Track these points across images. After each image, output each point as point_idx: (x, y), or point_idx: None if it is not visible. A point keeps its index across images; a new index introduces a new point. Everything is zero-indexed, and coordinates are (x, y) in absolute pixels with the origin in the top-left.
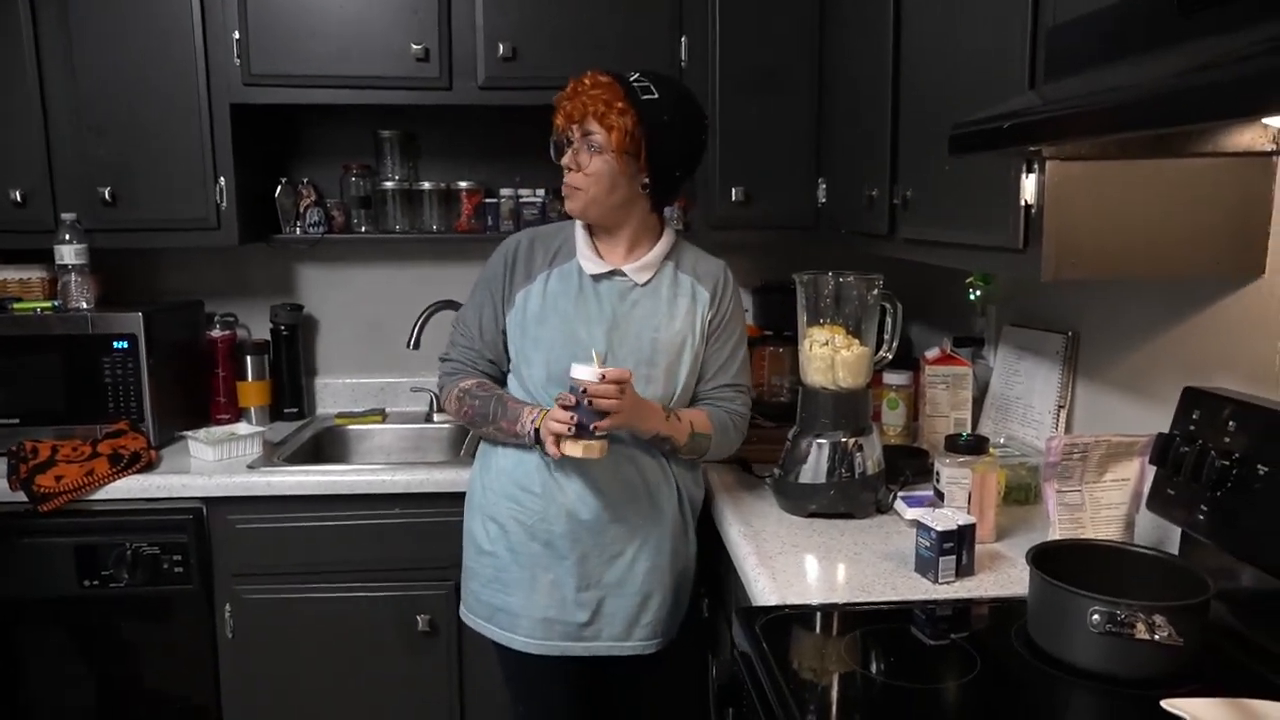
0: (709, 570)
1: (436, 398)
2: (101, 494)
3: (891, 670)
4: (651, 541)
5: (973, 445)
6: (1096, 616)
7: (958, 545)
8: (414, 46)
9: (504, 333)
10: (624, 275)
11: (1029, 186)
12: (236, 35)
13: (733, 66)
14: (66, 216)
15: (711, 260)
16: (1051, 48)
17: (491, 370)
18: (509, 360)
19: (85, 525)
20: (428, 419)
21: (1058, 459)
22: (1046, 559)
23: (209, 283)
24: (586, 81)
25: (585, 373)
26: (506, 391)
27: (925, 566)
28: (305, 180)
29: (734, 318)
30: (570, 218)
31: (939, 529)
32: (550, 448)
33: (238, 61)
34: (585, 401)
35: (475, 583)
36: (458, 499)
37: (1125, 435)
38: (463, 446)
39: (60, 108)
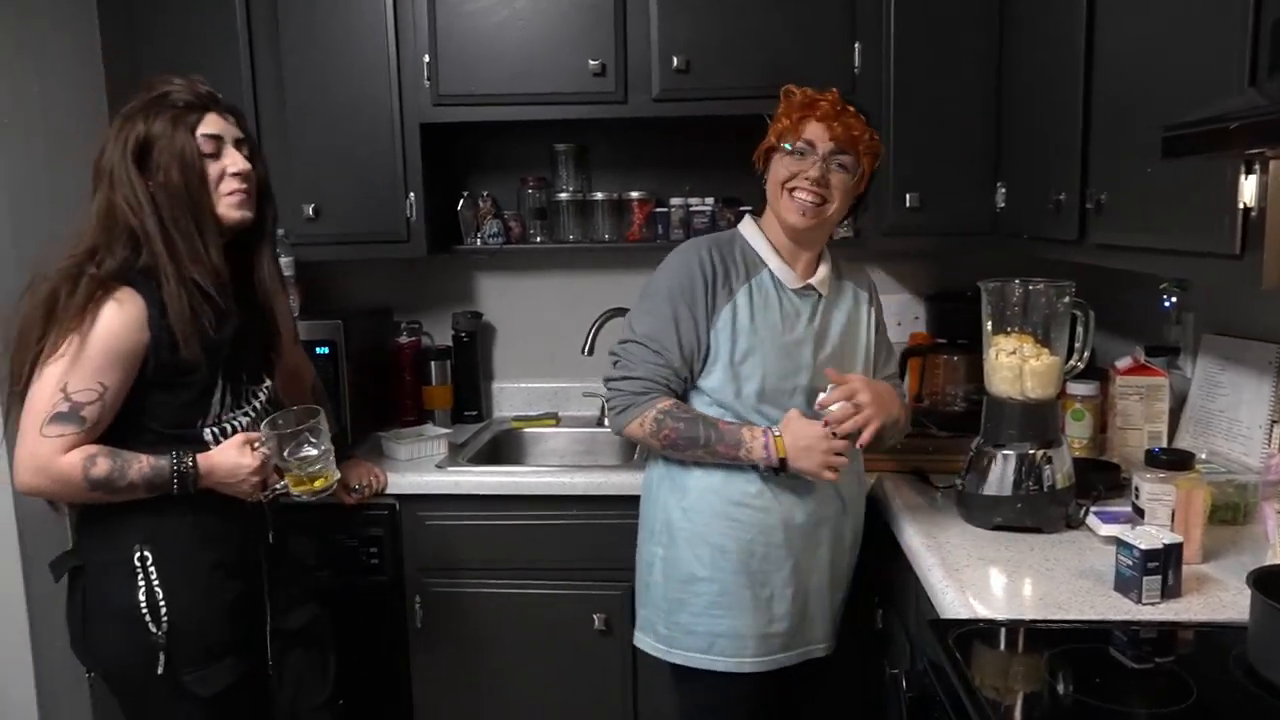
0: (882, 580)
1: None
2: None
3: (1096, 692)
4: (845, 537)
5: (1176, 460)
6: None
7: (1163, 565)
8: (591, 62)
9: (708, 348)
10: (813, 289)
11: (1249, 188)
12: (427, 59)
13: (907, 72)
14: (278, 233)
15: (857, 266)
16: (1277, 41)
17: (680, 389)
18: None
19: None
20: (599, 423)
21: (1278, 477)
22: (1270, 582)
23: (396, 292)
24: (838, 105)
25: (827, 396)
26: (705, 413)
27: (1127, 586)
28: (485, 194)
29: (883, 314)
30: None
31: (1143, 546)
32: (828, 475)
33: (427, 84)
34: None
35: (684, 614)
36: (629, 501)
37: None
38: (635, 451)
39: (272, 134)
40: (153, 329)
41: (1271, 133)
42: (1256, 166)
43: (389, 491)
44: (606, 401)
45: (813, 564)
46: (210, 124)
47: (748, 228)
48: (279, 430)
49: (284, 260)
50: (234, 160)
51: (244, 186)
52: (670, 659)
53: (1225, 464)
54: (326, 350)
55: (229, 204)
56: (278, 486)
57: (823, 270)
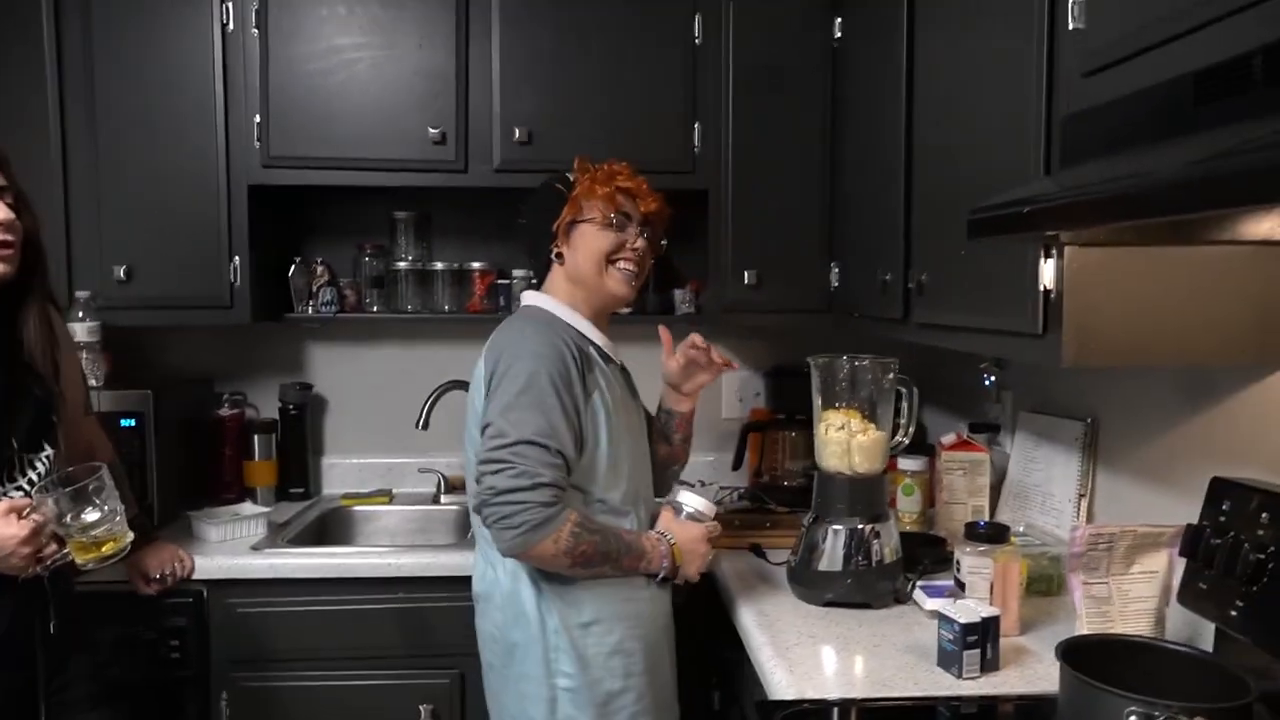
0: (719, 659)
1: (445, 479)
2: (96, 574)
3: None
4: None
5: (993, 534)
6: (1134, 718)
7: (982, 638)
8: (431, 130)
9: (581, 444)
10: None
11: (1048, 271)
12: (257, 119)
13: (744, 152)
14: (81, 294)
15: None
16: (1066, 135)
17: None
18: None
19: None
20: (435, 500)
21: (1082, 549)
22: (1077, 654)
23: (218, 361)
24: (633, 178)
25: (702, 504)
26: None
27: (948, 661)
28: (319, 259)
29: None
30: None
31: (962, 621)
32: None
33: (257, 144)
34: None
35: None
36: (463, 583)
37: (1152, 525)
38: (469, 529)
39: (81, 187)
40: None
41: (1058, 218)
42: (1054, 251)
43: (196, 577)
44: (503, 519)
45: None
46: None
47: (552, 304)
48: (53, 492)
49: (89, 325)
50: None
51: (6, 238)
52: None
53: (1041, 537)
54: (133, 422)
55: None
56: (57, 557)
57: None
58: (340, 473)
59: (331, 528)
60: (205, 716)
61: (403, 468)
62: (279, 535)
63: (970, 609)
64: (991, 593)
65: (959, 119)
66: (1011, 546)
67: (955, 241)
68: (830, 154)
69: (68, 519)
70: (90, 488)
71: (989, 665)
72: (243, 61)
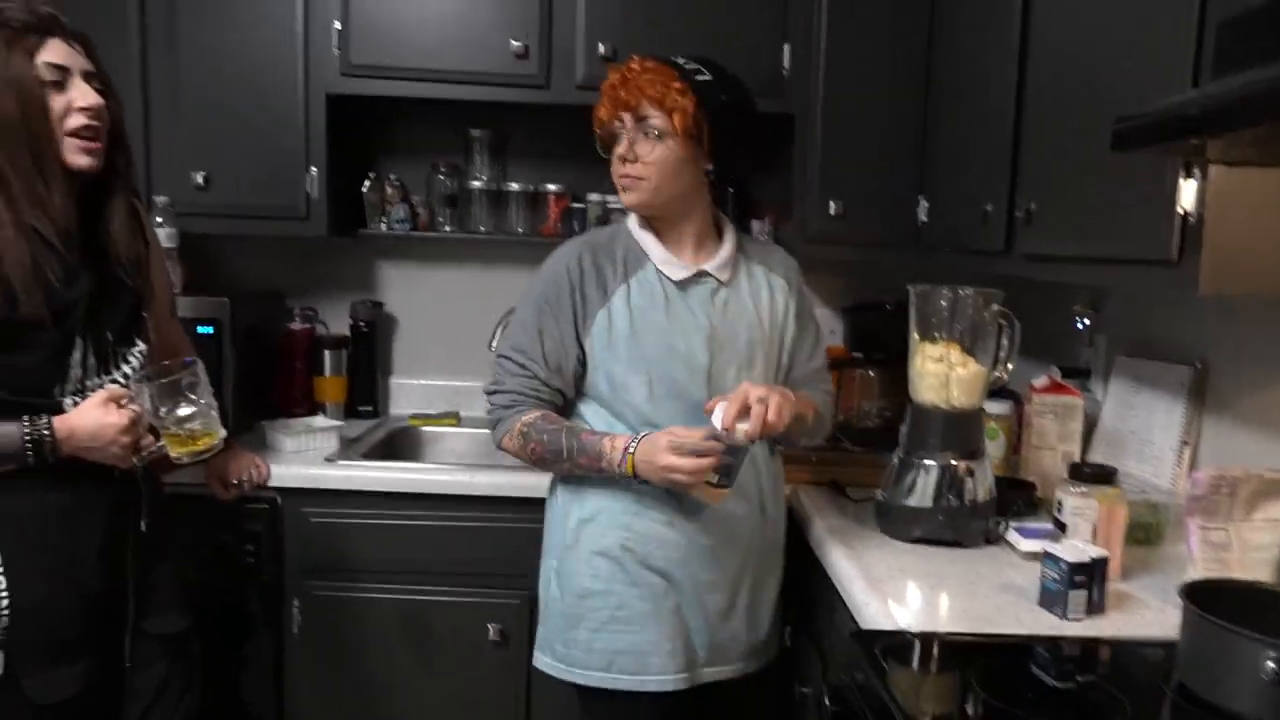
0: (792, 595)
1: None
2: (174, 477)
3: (1032, 706)
4: (762, 557)
5: (1100, 475)
6: (1271, 664)
7: (1089, 579)
8: (513, 43)
9: (579, 358)
10: (708, 276)
11: (1188, 192)
12: (337, 25)
13: (836, 75)
14: (159, 199)
15: (772, 247)
16: (1221, 42)
17: (556, 400)
18: (576, 388)
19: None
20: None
21: (1204, 492)
22: (1202, 596)
23: (289, 275)
24: (635, 66)
25: (718, 419)
26: (577, 422)
27: (1052, 601)
28: (393, 176)
29: (809, 301)
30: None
31: (1070, 560)
32: (676, 484)
33: (337, 52)
34: (726, 448)
35: (581, 630)
36: (534, 505)
37: (1278, 471)
38: None
39: (161, 90)
40: None
41: (1237, 115)
42: (1196, 171)
43: (271, 484)
44: (487, 414)
45: (721, 582)
46: (53, 51)
47: (633, 220)
48: (150, 384)
49: (168, 231)
50: (82, 93)
51: (94, 125)
52: (570, 679)
53: (1137, 485)
54: (210, 330)
55: (75, 147)
56: (153, 448)
57: (722, 253)
58: (407, 393)
59: (400, 446)
60: (278, 622)
61: (471, 390)
62: (350, 449)
63: (1078, 549)
64: (1094, 536)
65: (1086, 28)
66: (1117, 489)
67: (1076, 165)
68: (928, 78)
69: (162, 412)
70: (184, 382)
71: (1095, 608)
72: None
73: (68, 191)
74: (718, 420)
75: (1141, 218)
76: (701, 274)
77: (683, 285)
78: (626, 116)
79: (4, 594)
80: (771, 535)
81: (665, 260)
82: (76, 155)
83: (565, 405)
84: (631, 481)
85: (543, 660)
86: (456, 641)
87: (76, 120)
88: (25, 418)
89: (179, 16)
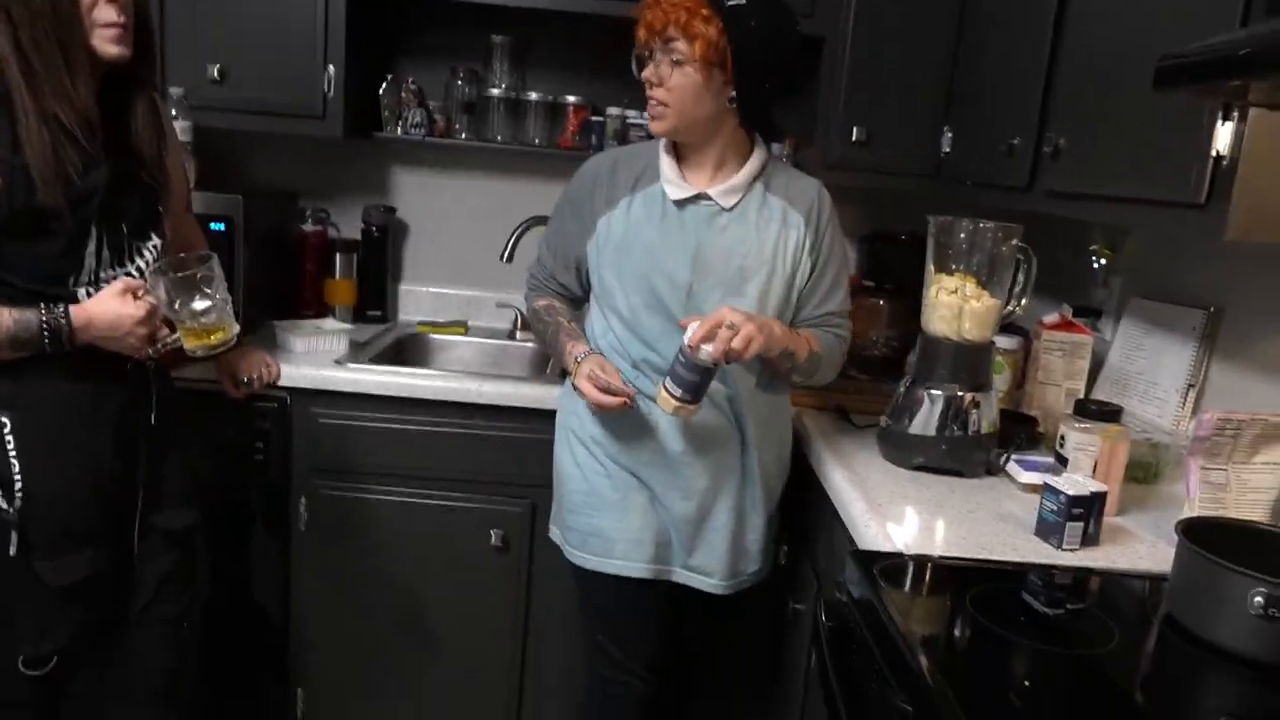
0: (789, 515)
1: (521, 314)
2: (185, 373)
3: (1024, 630)
4: (750, 486)
5: (1106, 412)
6: (1259, 599)
7: (1087, 512)
8: None
9: (578, 258)
10: (709, 199)
11: (1223, 135)
12: None
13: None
14: (174, 91)
15: (805, 180)
16: None
17: (564, 293)
18: (587, 285)
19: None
20: (510, 335)
21: (1208, 433)
22: (1198, 532)
23: (303, 176)
24: None
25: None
26: (568, 320)
27: (1048, 531)
28: (410, 80)
29: (834, 242)
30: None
31: (1070, 492)
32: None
33: None
34: (689, 365)
35: (565, 509)
36: (540, 416)
37: None
38: (548, 365)
39: None
40: (4, 169)
41: None
42: (1235, 113)
43: (281, 384)
44: None
45: (690, 491)
46: None
47: (663, 140)
48: (166, 277)
49: (182, 124)
50: None
51: (121, 19)
52: (564, 551)
53: (1140, 425)
54: (222, 227)
55: (105, 37)
56: (169, 340)
57: (733, 180)
58: (416, 300)
59: (408, 352)
60: (285, 519)
61: (480, 301)
62: (360, 353)
63: (1078, 482)
64: (1094, 471)
65: None
66: (1121, 427)
67: (1110, 101)
68: (961, 5)
69: (178, 305)
70: (199, 275)
71: (1089, 540)
72: None
73: (91, 82)
74: (685, 337)
75: (1173, 159)
76: (701, 196)
77: (681, 205)
78: (655, 41)
79: (18, 477)
80: (757, 463)
81: (669, 179)
82: (106, 44)
83: (579, 297)
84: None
85: (553, 530)
86: (459, 546)
87: (105, 12)
88: (42, 305)
89: None
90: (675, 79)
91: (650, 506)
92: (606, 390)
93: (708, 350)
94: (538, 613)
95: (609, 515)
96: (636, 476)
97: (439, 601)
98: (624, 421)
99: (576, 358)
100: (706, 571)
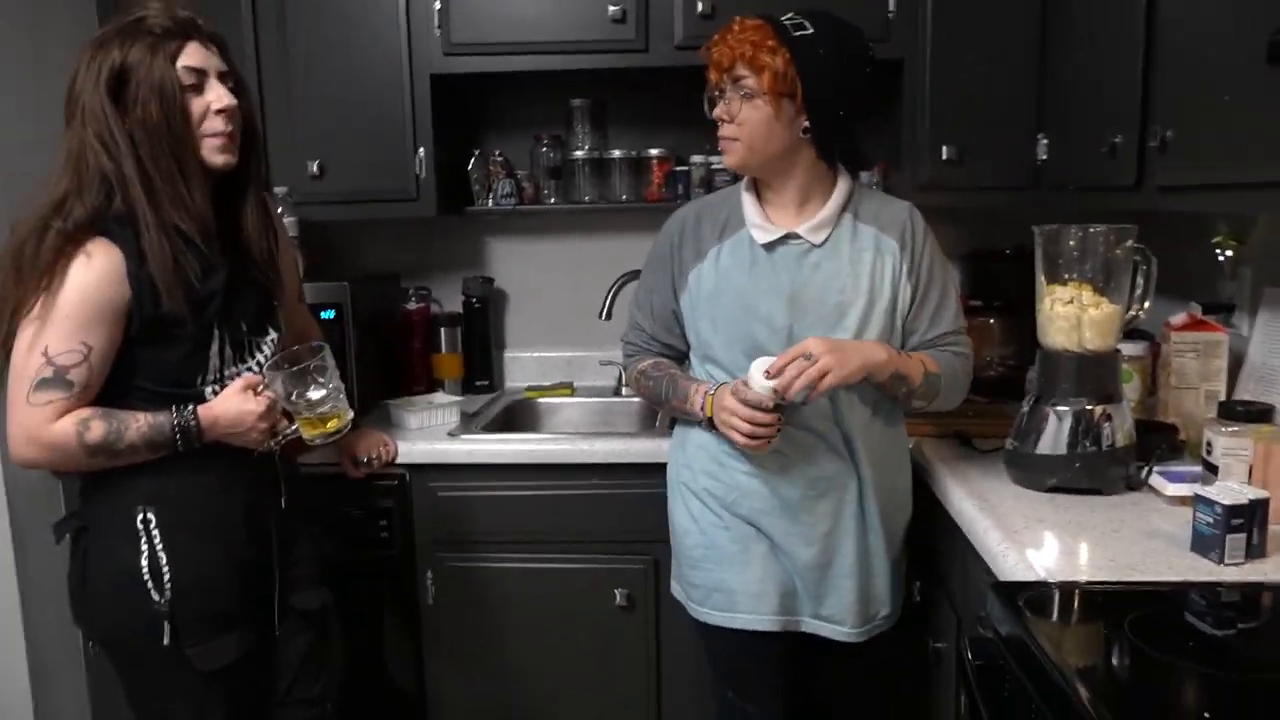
0: (921, 552)
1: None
2: (307, 458)
3: (1192, 655)
4: (874, 528)
5: (1255, 412)
6: None
7: (1248, 521)
8: (610, 8)
9: (675, 314)
10: (798, 238)
11: None
12: (438, 5)
13: (945, 16)
14: (279, 190)
15: (895, 203)
16: None
17: (668, 352)
18: (688, 340)
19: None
20: (616, 392)
21: None
22: None
23: (403, 256)
24: (735, 27)
25: (753, 378)
26: (681, 370)
27: (1206, 545)
28: (497, 153)
29: (935, 262)
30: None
31: (1226, 502)
32: (740, 441)
33: (438, 32)
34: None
35: (685, 565)
36: (655, 470)
37: None
38: (656, 418)
39: (275, 85)
40: (132, 281)
41: None
42: None
43: (398, 461)
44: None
45: (810, 536)
46: (192, 54)
47: (745, 180)
48: (282, 371)
49: (289, 220)
50: (219, 95)
51: (228, 128)
52: (687, 608)
53: None
54: (332, 314)
55: (213, 146)
56: (288, 432)
57: (821, 214)
58: (522, 366)
59: (518, 418)
60: (412, 594)
61: (583, 360)
62: (471, 423)
63: (1233, 490)
64: (1250, 477)
65: None
66: (1274, 428)
67: (1218, 85)
68: (1043, 9)
69: (294, 396)
70: (313, 367)
71: (1254, 552)
72: None
73: (206, 189)
74: (751, 375)
75: None
76: (790, 236)
77: (770, 247)
78: (725, 78)
79: (166, 568)
80: (875, 502)
81: (755, 223)
82: (214, 154)
83: (682, 355)
84: (711, 429)
85: (675, 587)
86: (584, 607)
87: (214, 123)
88: (173, 408)
89: (288, 12)
90: (745, 113)
91: (771, 556)
92: (758, 407)
93: (771, 384)
94: (669, 669)
95: (730, 569)
96: (755, 526)
97: (570, 664)
98: (737, 470)
99: (707, 391)
100: (836, 619)
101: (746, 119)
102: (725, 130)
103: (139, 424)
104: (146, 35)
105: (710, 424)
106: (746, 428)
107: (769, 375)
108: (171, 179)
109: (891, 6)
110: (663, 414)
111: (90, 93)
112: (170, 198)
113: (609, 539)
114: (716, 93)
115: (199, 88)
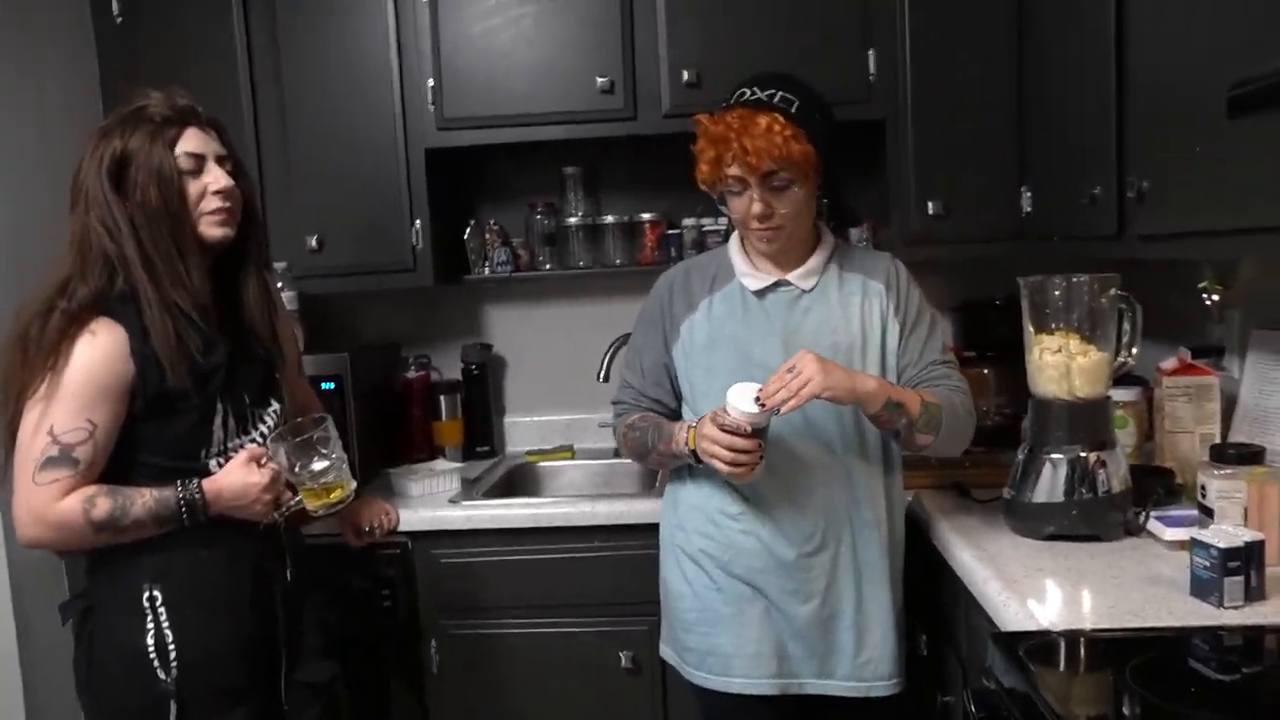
0: (925, 604)
1: None
2: (309, 529)
3: (1197, 701)
4: (872, 577)
5: (1246, 454)
6: None
7: (1245, 564)
8: (599, 79)
9: (668, 368)
10: (789, 285)
11: None
12: (431, 82)
13: (924, 75)
14: (279, 265)
15: (876, 254)
16: None
17: (658, 408)
18: (679, 396)
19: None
20: (616, 454)
21: None
22: None
23: (401, 326)
24: (734, 124)
25: (732, 401)
26: (665, 419)
27: (1205, 590)
28: (492, 221)
29: (920, 302)
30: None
31: (1222, 545)
32: (721, 468)
33: (431, 108)
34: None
35: (679, 629)
36: (656, 531)
37: None
38: (656, 479)
39: (273, 161)
40: (136, 359)
41: None
42: None
43: (401, 529)
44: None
45: (808, 592)
46: (190, 140)
47: (734, 237)
48: (285, 443)
49: (288, 294)
50: (216, 178)
51: (226, 205)
52: (681, 672)
53: None
54: (333, 385)
55: (210, 222)
56: (291, 503)
57: (810, 263)
58: (522, 430)
59: (519, 483)
60: (417, 662)
61: (582, 423)
62: (473, 489)
63: (1229, 534)
64: (1245, 519)
65: (1189, 8)
66: (1267, 469)
67: (1187, 136)
68: (1018, 71)
69: (298, 468)
70: (316, 438)
71: (1254, 594)
72: (414, 29)
73: (204, 267)
74: (731, 399)
75: (1266, 181)
76: (780, 283)
77: (761, 294)
78: (753, 178)
79: (172, 646)
80: (873, 551)
81: (746, 272)
82: (211, 229)
83: (674, 413)
84: (696, 465)
85: (665, 650)
86: (590, 671)
87: (211, 202)
88: (178, 482)
89: (286, 93)
90: (789, 202)
91: (766, 617)
92: (737, 432)
93: (740, 411)
94: None
95: (725, 632)
96: (751, 585)
97: None
98: (733, 530)
99: (690, 425)
100: (839, 675)
101: (790, 208)
102: (771, 224)
103: (144, 499)
104: (147, 123)
105: (695, 457)
106: (728, 455)
107: (759, 401)
108: (170, 259)
109: (872, 69)
110: (648, 466)
111: (93, 179)
112: (170, 276)
113: (613, 601)
114: (735, 186)
115: (197, 171)
